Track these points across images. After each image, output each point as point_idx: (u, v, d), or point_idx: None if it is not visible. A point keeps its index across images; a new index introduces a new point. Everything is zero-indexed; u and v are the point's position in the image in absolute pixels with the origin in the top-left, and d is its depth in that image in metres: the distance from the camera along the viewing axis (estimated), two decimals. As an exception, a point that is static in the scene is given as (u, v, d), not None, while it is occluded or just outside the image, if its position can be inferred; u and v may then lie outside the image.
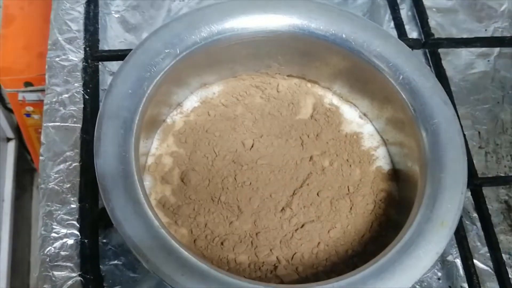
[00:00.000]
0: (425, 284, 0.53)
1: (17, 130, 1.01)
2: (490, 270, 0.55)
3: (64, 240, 0.50)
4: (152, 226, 0.41)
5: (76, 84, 0.58)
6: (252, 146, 0.54)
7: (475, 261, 0.54)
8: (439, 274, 0.54)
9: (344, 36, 0.53)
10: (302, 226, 0.51)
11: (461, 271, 0.54)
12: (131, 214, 0.41)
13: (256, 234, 0.50)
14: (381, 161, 0.56)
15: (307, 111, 0.58)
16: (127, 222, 0.41)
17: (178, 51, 0.49)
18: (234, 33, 0.51)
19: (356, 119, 0.58)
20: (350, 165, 0.55)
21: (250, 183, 0.51)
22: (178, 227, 0.50)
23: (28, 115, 0.87)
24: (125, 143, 0.44)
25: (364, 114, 0.58)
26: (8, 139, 1.06)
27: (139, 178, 0.43)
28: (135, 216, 0.41)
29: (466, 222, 0.57)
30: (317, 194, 0.52)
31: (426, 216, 0.45)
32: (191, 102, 0.57)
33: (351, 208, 0.52)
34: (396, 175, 0.55)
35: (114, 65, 0.60)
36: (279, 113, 0.56)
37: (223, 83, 0.58)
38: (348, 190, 0.53)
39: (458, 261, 0.54)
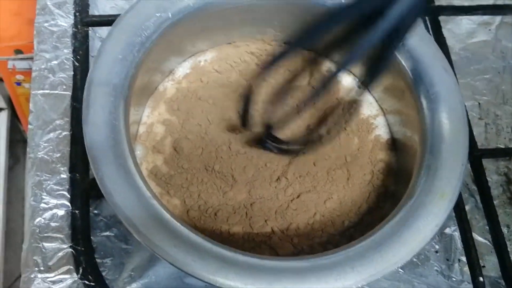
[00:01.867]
0: (423, 257, 0.52)
1: (8, 100, 0.99)
2: (488, 243, 0.54)
3: (54, 211, 0.49)
4: (143, 196, 0.40)
5: (65, 51, 0.56)
6: None
7: (473, 234, 0.53)
8: (437, 247, 0.53)
9: (343, 1, 0.51)
10: (298, 196, 0.49)
11: (459, 244, 0.53)
12: (121, 184, 0.40)
13: (251, 204, 0.48)
14: (380, 130, 0.55)
15: (304, 78, 0.56)
16: (118, 193, 0.40)
17: (170, 15, 0.47)
18: (228, -4, 0.50)
19: (354, 87, 0.57)
20: (348, 134, 0.53)
21: (245, 152, 0.50)
22: (170, 197, 0.48)
23: (18, 83, 0.85)
24: (115, 110, 0.43)
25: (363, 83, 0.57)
26: (0, 109, 1.04)
27: (129, 147, 0.42)
28: (126, 186, 0.40)
29: (465, 194, 0.56)
30: (314, 164, 0.51)
31: (426, 187, 0.44)
32: (184, 68, 0.55)
33: (348, 179, 0.51)
34: (395, 144, 0.54)
35: (104, 31, 0.58)
36: (275, 80, 0.55)
37: (217, 50, 0.56)
38: (346, 159, 0.52)
39: (456, 234, 0.54)
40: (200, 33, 0.53)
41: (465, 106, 0.49)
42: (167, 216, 0.40)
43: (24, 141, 1.10)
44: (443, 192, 0.43)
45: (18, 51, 0.78)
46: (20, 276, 0.47)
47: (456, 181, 0.44)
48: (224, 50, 0.56)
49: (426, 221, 0.42)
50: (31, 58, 0.63)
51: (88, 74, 0.44)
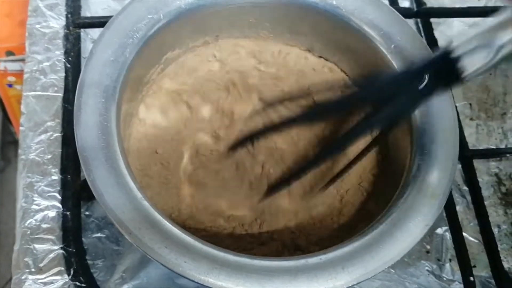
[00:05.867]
0: (414, 257, 0.53)
1: (0, 102, 0.99)
2: (479, 243, 0.54)
3: (45, 212, 0.49)
4: (134, 197, 0.40)
5: (57, 52, 0.56)
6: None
7: (464, 234, 0.53)
8: (428, 247, 0.53)
9: (334, 2, 0.51)
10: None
11: (450, 244, 0.53)
12: (112, 185, 0.40)
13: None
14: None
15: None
16: (109, 194, 0.40)
17: (161, 17, 0.47)
18: (220, -2, 0.50)
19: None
20: None
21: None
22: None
23: (10, 85, 0.85)
24: (107, 112, 0.43)
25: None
26: (-9, 111, 1.04)
27: (121, 148, 0.42)
28: (117, 188, 0.40)
29: (456, 194, 0.56)
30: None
31: (416, 187, 0.44)
32: (175, 68, 0.54)
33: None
34: (386, 145, 0.54)
35: (96, 33, 0.57)
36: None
37: (208, 49, 0.55)
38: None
39: (448, 234, 0.54)
40: (191, 34, 0.53)
41: (456, 106, 0.49)
42: (158, 217, 0.40)
43: (16, 143, 1.09)
44: (434, 192, 0.43)
45: (10, 53, 0.78)
46: (11, 278, 0.47)
47: (446, 181, 0.44)
48: (216, 50, 0.56)
49: (416, 221, 0.42)
50: (23, 60, 0.63)
51: (80, 76, 0.44)
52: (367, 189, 0.51)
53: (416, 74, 0.42)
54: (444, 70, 0.41)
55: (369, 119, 0.46)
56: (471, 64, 0.40)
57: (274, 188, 0.49)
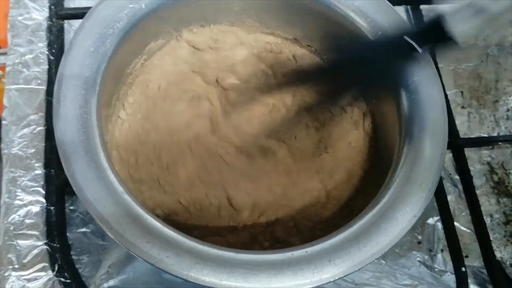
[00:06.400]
0: (405, 248, 0.52)
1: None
2: (471, 232, 0.54)
3: (29, 207, 0.48)
4: (115, 191, 0.39)
5: (40, 44, 0.55)
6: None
7: (456, 224, 0.53)
8: (419, 237, 0.53)
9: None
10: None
11: (442, 234, 0.53)
12: (93, 179, 0.39)
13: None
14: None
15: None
16: (89, 188, 0.39)
17: (143, 6, 0.46)
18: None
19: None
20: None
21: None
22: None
23: (-3, 79, 0.84)
24: (87, 104, 0.42)
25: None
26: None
27: (102, 141, 0.41)
28: (98, 182, 0.39)
29: (447, 184, 0.56)
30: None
31: (404, 177, 0.43)
32: (158, 59, 0.53)
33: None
34: (375, 134, 0.53)
35: (80, 24, 0.57)
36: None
37: (192, 37, 0.54)
38: (326, 149, 0.51)
39: (439, 224, 0.53)
40: (175, 24, 0.52)
41: (446, 96, 0.49)
42: (140, 211, 0.39)
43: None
44: (422, 182, 0.43)
45: (-5, 47, 0.76)
46: (-6, 275, 0.46)
47: (435, 171, 0.43)
48: (199, 39, 0.54)
49: (404, 211, 0.41)
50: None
51: (59, 67, 0.43)
52: (356, 185, 0.51)
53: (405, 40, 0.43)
54: (432, 31, 0.42)
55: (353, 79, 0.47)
56: (459, 26, 0.40)
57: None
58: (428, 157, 0.44)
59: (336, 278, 0.38)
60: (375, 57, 0.44)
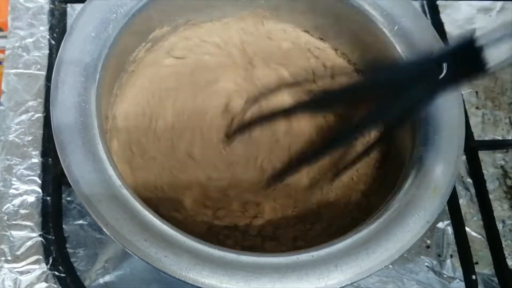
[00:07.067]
0: (413, 252, 0.50)
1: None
2: (482, 238, 0.52)
3: (24, 197, 0.47)
4: (113, 185, 0.38)
5: (41, 28, 0.54)
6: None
7: (467, 229, 0.51)
8: (429, 242, 0.51)
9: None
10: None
11: (452, 239, 0.51)
12: (89, 171, 0.38)
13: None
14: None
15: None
16: (85, 181, 0.37)
17: (149, -10, 0.44)
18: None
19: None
20: None
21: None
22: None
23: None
24: (86, 92, 0.40)
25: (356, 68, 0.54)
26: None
27: (101, 132, 0.39)
28: (94, 174, 0.38)
29: (459, 187, 0.54)
30: None
31: (417, 181, 0.41)
32: (167, 44, 0.52)
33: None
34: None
35: (83, 8, 0.55)
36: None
37: (197, 27, 0.53)
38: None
39: (449, 229, 0.51)
40: (181, 11, 0.50)
41: (461, 94, 0.47)
42: (138, 206, 0.37)
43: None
44: (436, 186, 0.41)
45: (-3, 29, 0.75)
46: (-14, 267, 0.45)
47: (450, 175, 0.42)
48: (205, 28, 0.53)
49: (417, 217, 0.40)
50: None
51: (58, 53, 0.41)
52: (362, 189, 0.49)
53: (434, 64, 0.40)
54: (466, 60, 0.38)
55: (380, 111, 0.44)
56: (496, 55, 0.37)
57: (274, 178, 0.47)
58: (443, 160, 0.42)
59: (343, 285, 0.37)
60: (410, 81, 0.41)
